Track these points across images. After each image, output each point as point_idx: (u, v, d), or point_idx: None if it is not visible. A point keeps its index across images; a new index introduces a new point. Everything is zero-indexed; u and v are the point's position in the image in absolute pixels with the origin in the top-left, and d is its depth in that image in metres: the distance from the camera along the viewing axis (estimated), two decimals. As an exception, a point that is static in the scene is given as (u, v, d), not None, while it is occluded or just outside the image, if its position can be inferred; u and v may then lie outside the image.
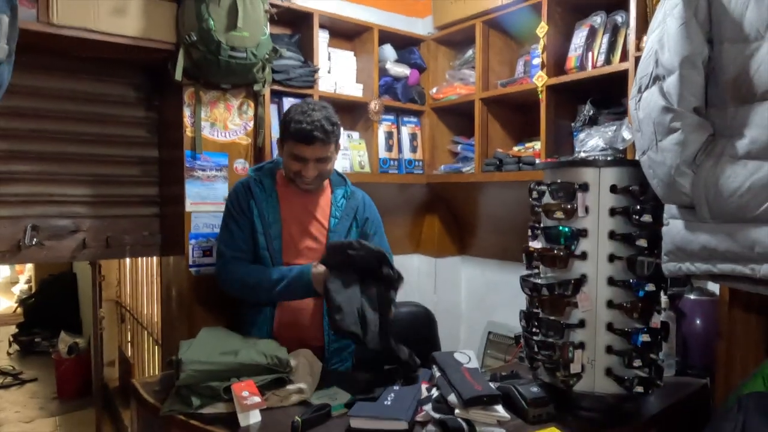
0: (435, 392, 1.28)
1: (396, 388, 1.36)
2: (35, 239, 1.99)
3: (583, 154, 1.42)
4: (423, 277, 2.95)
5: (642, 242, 1.24)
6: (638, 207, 1.25)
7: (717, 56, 1.04)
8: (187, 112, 1.99)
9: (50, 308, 5.57)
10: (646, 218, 1.24)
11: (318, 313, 1.70)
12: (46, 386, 4.55)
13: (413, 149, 2.68)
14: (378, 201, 2.70)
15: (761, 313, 1.42)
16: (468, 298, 2.92)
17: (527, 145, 2.32)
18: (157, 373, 3.07)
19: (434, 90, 2.63)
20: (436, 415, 1.19)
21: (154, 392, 1.44)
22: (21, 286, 7.44)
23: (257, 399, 1.23)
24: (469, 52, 2.54)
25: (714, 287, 1.68)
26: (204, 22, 1.77)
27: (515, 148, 2.37)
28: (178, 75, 1.84)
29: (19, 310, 6.44)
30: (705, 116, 1.05)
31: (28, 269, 7.54)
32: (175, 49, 1.90)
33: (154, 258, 2.86)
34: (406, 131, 2.66)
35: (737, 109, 1.00)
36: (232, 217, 1.70)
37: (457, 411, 1.18)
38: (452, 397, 1.20)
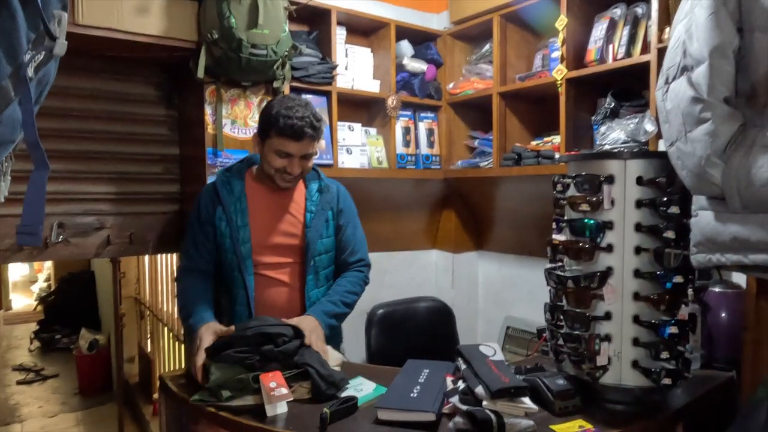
0: (461, 384, 1.29)
1: (421, 380, 1.37)
2: (61, 236, 2.02)
3: (606, 147, 1.42)
4: (440, 273, 2.95)
5: (669, 234, 1.24)
6: (665, 199, 1.25)
7: (748, 46, 1.03)
8: (208, 110, 2.01)
9: (69, 306, 5.67)
10: (674, 210, 1.23)
11: (295, 309, 1.69)
12: (67, 382, 4.64)
13: (430, 145, 2.68)
14: (396, 197, 2.73)
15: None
16: (485, 293, 2.92)
17: (546, 139, 2.31)
18: (177, 367, 3.12)
19: (451, 85, 2.63)
20: (464, 407, 1.19)
21: (181, 385, 1.46)
22: (40, 284, 7.57)
23: (284, 390, 1.25)
24: (486, 47, 2.53)
25: (739, 280, 1.67)
26: (225, 20, 1.79)
27: (533, 143, 2.36)
28: (201, 73, 1.86)
29: (39, 307, 6.56)
30: (736, 106, 1.05)
31: (46, 268, 7.66)
32: (196, 48, 1.92)
33: (174, 255, 2.90)
34: (423, 127, 2.66)
35: (769, 99, 0.99)
36: (192, 229, 1.69)
37: (484, 403, 1.18)
38: (479, 389, 1.21)
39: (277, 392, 1.23)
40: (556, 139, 2.18)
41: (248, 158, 1.78)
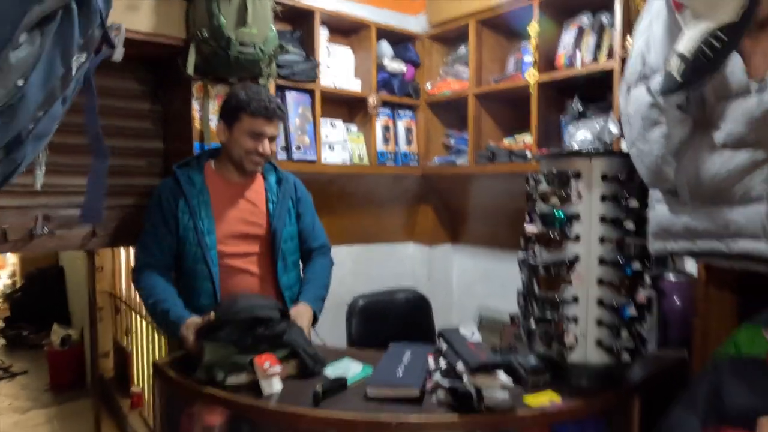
0: (443, 363, 1.40)
1: (405, 361, 1.48)
2: (46, 228, 2.04)
3: (575, 146, 1.55)
4: (417, 265, 3.07)
5: (629, 225, 1.37)
6: (626, 193, 1.38)
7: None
8: (195, 105, 2.06)
9: (37, 302, 5.55)
10: (633, 203, 1.37)
11: (268, 290, 1.76)
12: (36, 378, 4.56)
13: (408, 142, 2.79)
14: (375, 192, 2.83)
15: (733, 291, 1.57)
16: (460, 285, 3.06)
17: (517, 138, 2.44)
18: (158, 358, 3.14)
19: (429, 85, 2.75)
20: (446, 383, 1.31)
21: (175, 370, 1.53)
22: (4, 281, 7.36)
23: (278, 368, 1.33)
24: (462, 49, 2.65)
25: (691, 269, 1.84)
26: (215, 19, 1.85)
27: (506, 141, 2.49)
28: (191, 69, 1.91)
29: (4, 304, 6.39)
30: (687, 111, 1.18)
31: (11, 264, 7.45)
32: (184, 45, 1.97)
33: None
34: (401, 125, 2.76)
35: (715, 105, 1.13)
36: (152, 222, 1.72)
37: (464, 378, 1.30)
38: (460, 366, 1.32)
39: (271, 370, 1.32)
40: (528, 138, 2.31)
41: (205, 152, 1.85)
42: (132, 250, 3.73)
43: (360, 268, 2.84)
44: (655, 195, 1.29)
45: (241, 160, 1.71)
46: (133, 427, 3.26)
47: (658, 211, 1.27)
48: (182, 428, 1.56)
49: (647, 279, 1.46)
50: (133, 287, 3.48)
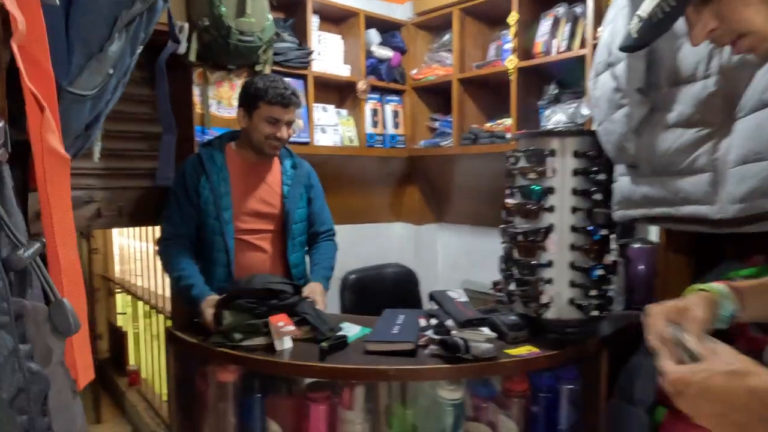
0: (434, 321, 1.57)
1: (399, 322, 1.64)
2: (54, 209, 2.15)
3: (550, 127, 1.72)
4: (405, 243, 3.24)
5: (597, 196, 1.55)
6: (595, 168, 1.56)
7: (655, 48, 1.34)
8: (196, 91, 2.17)
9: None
10: (601, 177, 1.55)
11: (278, 272, 1.90)
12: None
13: (396, 125, 2.93)
14: (365, 173, 2.97)
15: (689, 254, 1.77)
16: (445, 261, 3.24)
17: (498, 121, 2.61)
18: (154, 337, 3.27)
19: (414, 71, 2.89)
20: (437, 337, 1.48)
21: (188, 334, 1.67)
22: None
23: (291, 327, 1.49)
24: (446, 36, 2.80)
25: (654, 237, 2.04)
26: (216, 9, 1.96)
27: (488, 124, 2.66)
28: (193, 57, 2.02)
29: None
30: (646, 95, 1.36)
31: None
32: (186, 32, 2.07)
33: (154, 228, 3.03)
34: (389, 109, 2.91)
35: (669, 90, 1.30)
36: (176, 196, 1.84)
37: (453, 332, 1.47)
38: (449, 322, 1.49)
39: (285, 329, 1.47)
40: (508, 121, 2.48)
41: (227, 134, 1.97)
42: (132, 231, 3.83)
43: (350, 247, 2.99)
44: (619, 169, 1.47)
45: (261, 144, 1.84)
46: (131, 402, 3.38)
47: (621, 182, 1.45)
48: (197, 388, 1.71)
49: (613, 244, 1.64)
50: (137, 270, 3.60)
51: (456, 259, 3.17)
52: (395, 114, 2.93)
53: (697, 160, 1.22)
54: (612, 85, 1.38)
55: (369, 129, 2.81)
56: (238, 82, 2.28)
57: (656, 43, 1.34)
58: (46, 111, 0.56)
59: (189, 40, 2.03)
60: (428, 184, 3.16)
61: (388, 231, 3.21)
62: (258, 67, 2.25)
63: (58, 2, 0.52)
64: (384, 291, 2.74)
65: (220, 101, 2.24)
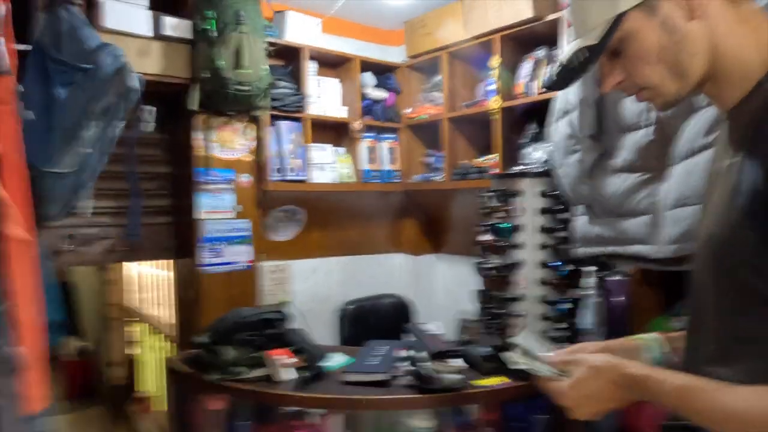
0: (411, 352, 1.67)
1: (379, 353, 1.74)
2: (71, 246, 2.33)
3: (531, 165, 1.82)
4: (404, 274, 3.34)
5: (562, 233, 1.65)
6: (560, 207, 1.66)
7: (604, 99, 1.45)
8: (199, 136, 2.35)
9: (49, 316, 5.82)
10: (565, 215, 1.65)
11: None
12: (52, 389, 4.81)
13: (392, 161, 3.07)
14: (363, 207, 3.11)
15: (660, 287, 1.83)
16: (442, 290, 3.32)
17: (487, 157, 2.72)
18: (162, 366, 3.40)
19: (408, 110, 3.04)
20: (411, 368, 1.57)
21: (186, 366, 1.79)
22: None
23: (294, 359, 1.60)
24: (438, 78, 2.94)
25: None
26: (215, 63, 2.14)
27: (477, 160, 2.77)
28: (195, 105, 2.20)
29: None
30: (598, 141, 1.46)
31: (22, 281, 7.71)
32: (189, 83, 2.26)
33: (162, 262, 3.19)
34: (385, 146, 3.05)
35: (617, 137, 1.41)
36: None
37: (426, 364, 1.56)
38: (423, 354, 1.59)
39: (287, 362, 1.58)
40: (496, 158, 2.59)
41: None
42: (143, 265, 4.02)
43: (350, 278, 3.11)
44: (578, 209, 1.57)
45: None
46: (142, 430, 3.50)
47: (580, 221, 1.54)
48: (191, 415, 1.82)
49: (591, 281, 1.73)
50: (140, 298, 3.77)
51: (453, 289, 3.25)
52: (391, 151, 3.07)
53: (639, 203, 1.31)
54: (567, 131, 1.49)
55: (366, 165, 2.95)
56: (240, 126, 2.46)
57: (606, 93, 1.45)
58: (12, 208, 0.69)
59: (191, 90, 2.21)
60: (425, 216, 3.27)
61: (387, 262, 3.31)
62: (257, 113, 2.42)
63: (33, 116, 0.66)
64: (380, 320, 2.84)
65: (222, 144, 2.41)
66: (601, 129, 1.45)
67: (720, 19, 0.73)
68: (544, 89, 2.34)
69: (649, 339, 0.94)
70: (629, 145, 1.35)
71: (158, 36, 2.18)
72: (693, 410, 0.70)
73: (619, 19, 0.73)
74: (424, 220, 3.28)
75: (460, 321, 3.13)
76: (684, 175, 1.19)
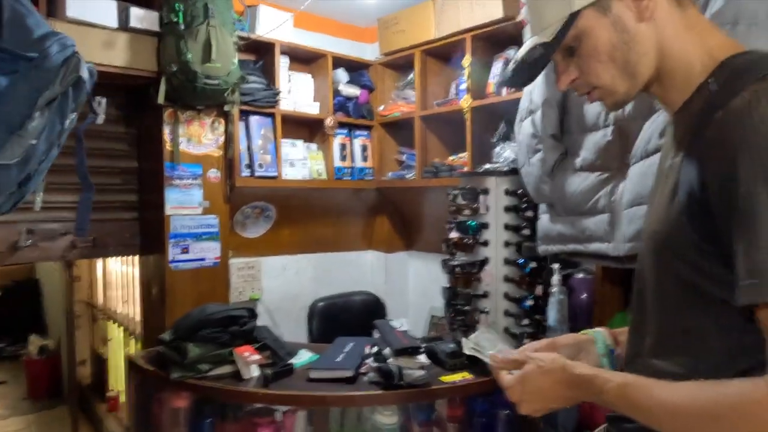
0: (375, 349, 1.67)
1: (346, 349, 1.74)
2: (30, 241, 2.26)
3: (500, 164, 1.84)
4: (376, 271, 3.34)
5: (526, 231, 1.67)
6: (524, 205, 1.68)
7: (567, 98, 1.48)
8: (166, 130, 2.31)
9: (14, 314, 5.66)
10: (529, 213, 1.67)
11: None
12: (14, 388, 4.68)
13: (364, 159, 3.07)
14: (335, 204, 3.10)
15: (622, 285, 1.88)
16: (414, 287, 3.34)
17: (459, 155, 2.74)
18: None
19: (381, 107, 3.04)
20: (375, 364, 1.58)
21: (151, 363, 1.76)
22: (-22, 295, 7.38)
23: (258, 356, 1.58)
24: (411, 75, 2.95)
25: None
26: (183, 56, 2.11)
27: (450, 158, 2.79)
28: (161, 99, 2.16)
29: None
30: (560, 141, 1.49)
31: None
32: (157, 76, 2.22)
33: (130, 259, 3.13)
34: (357, 143, 3.04)
35: (578, 137, 1.43)
36: None
37: (390, 360, 1.57)
38: (386, 350, 1.59)
39: (252, 358, 1.57)
40: (467, 156, 2.61)
41: None
42: (109, 261, 3.94)
43: (322, 276, 3.10)
44: (541, 207, 1.59)
45: None
46: (108, 429, 3.43)
47: (542, 220, 1.57)
48: (154, 413, 1.79)
49: (556, 278, 1.75)
50: (109, 296, 3.69)
51: (425, 286, 3.27)
52: (364, 148, 3.07)
53: (598, 202, 1.34)
54: (530, 131, 1.51)
55: (337, 162, 2.94)
56: (209, 121, 2.43)
57: (568, 93, 1.48)
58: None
59: (158, 84, 2.17)
60: (397, 214, 3.28)
61: (358, 259, 3.31)
62: (226, 107, 2.39)
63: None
64: (351, 318, 2.84)
65: (190, 139, 2.38)
66: (563, 129, 1.47)
67: (667, 22, 0.75)
68: (512, 89, 2.37)
69: (594, 333, 0.96)
70: (589, 145, 1.38)
71: (124, 27, 2.14)
72: (636, 408, 0.72)
73: (573, 17, 0.74)
74: (396, 217, 3.29)
75: (430, 317, 3.16)
76: (640, 175, 1.21)
